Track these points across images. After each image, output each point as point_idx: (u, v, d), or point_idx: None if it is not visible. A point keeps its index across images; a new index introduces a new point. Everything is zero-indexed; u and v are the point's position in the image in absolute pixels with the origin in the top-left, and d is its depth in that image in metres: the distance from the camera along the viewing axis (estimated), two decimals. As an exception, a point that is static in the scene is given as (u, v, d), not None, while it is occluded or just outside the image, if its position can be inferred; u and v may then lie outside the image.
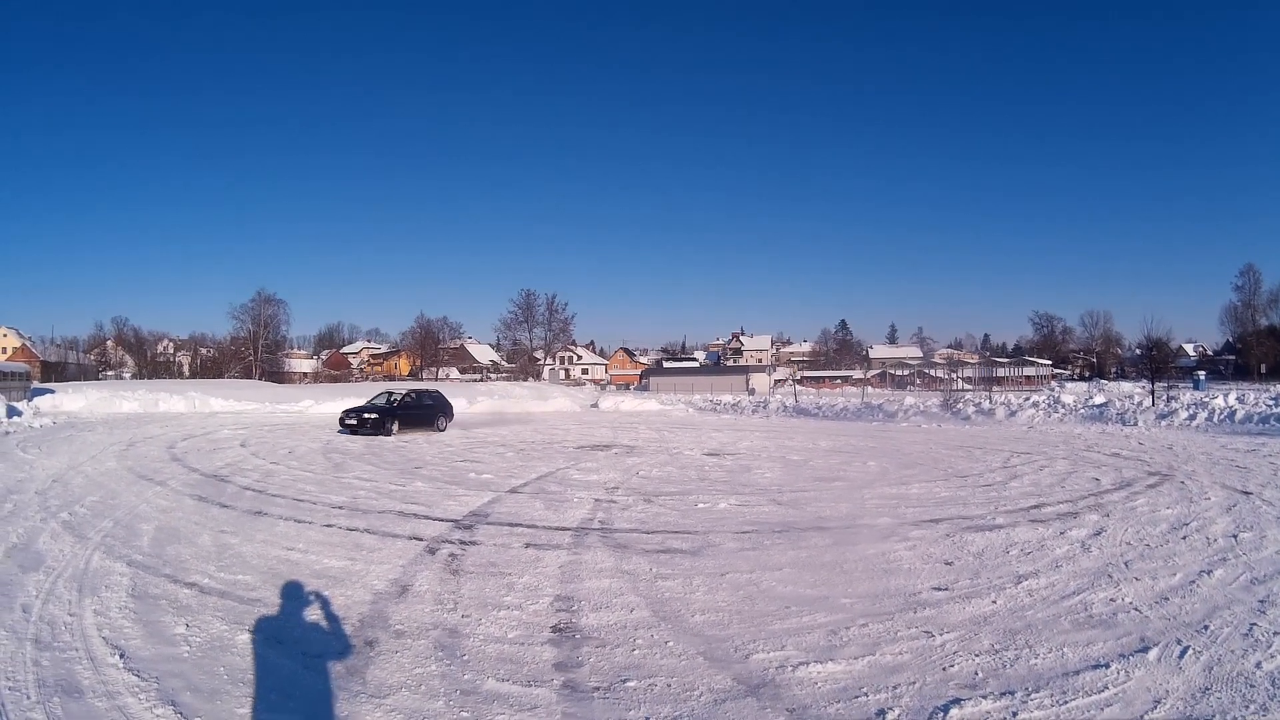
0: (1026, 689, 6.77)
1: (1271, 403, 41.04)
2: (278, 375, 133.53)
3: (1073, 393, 63.29)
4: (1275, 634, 8.05)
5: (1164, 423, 38.39)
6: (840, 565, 11.33)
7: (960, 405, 51.57)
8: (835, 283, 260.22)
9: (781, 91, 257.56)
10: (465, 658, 7.69)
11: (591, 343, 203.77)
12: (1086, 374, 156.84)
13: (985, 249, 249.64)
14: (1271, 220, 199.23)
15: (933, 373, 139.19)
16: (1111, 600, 9.44)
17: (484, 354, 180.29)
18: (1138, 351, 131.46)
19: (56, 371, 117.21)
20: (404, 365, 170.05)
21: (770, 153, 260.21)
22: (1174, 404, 44.01)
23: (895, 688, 6.86)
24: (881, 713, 6.36)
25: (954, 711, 6.34)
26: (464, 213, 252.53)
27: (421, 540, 13.06)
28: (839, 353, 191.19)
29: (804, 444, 32.60)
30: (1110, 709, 6.40)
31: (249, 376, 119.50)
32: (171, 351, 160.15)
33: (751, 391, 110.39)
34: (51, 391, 57.48)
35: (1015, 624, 8.60)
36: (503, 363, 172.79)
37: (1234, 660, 7.36)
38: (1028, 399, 53.18)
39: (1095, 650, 7.72)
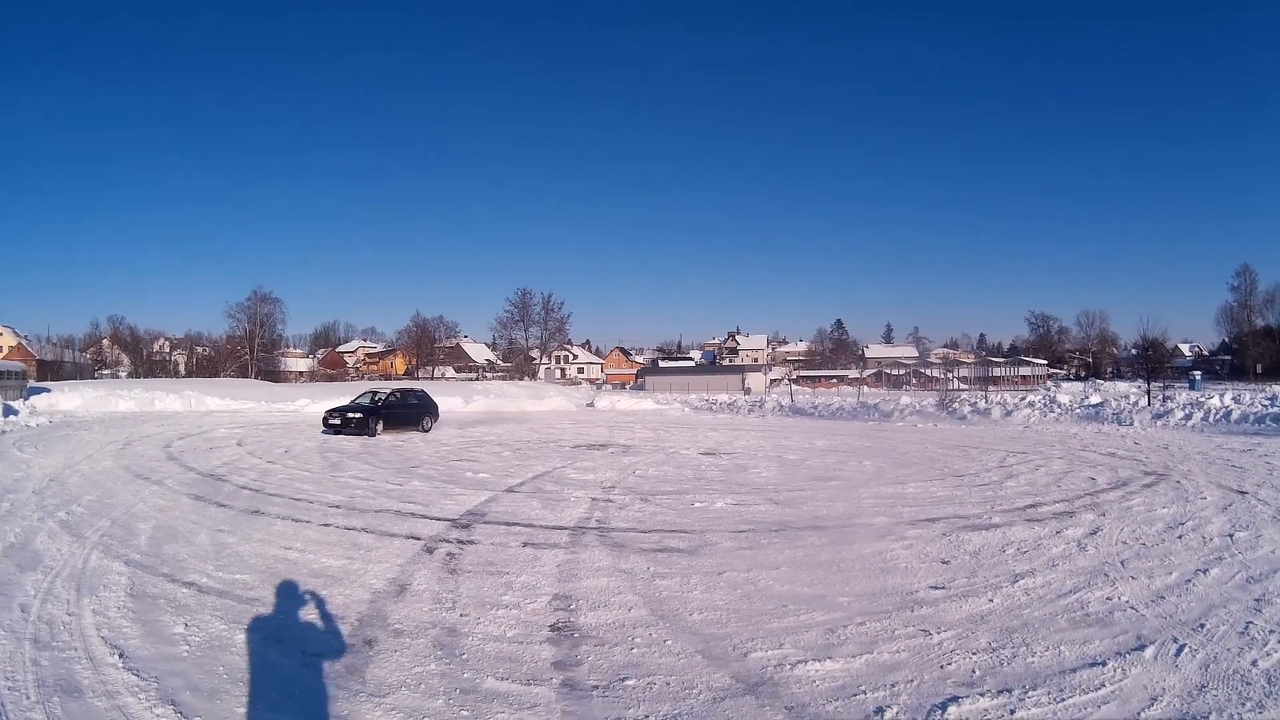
0: (1024, 687, 6.81)
1: (1267, 403, 41.09)
2: (274, 374, 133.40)
3: (1068, 392, 63.55)
4: (1271, 632, 8.08)
5: (1160, 423, 38.38)
6: (837, 564, 11.37)
7: (956, 405, 51.60)
8: (831, 282, 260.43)
9: (777, 91, 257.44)
10: (464, 656, 7.70)
11: (587, 342, 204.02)
12: (1082, 374, 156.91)
13: (981, 249, 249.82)
14: (1267, 221, 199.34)
15: (928, 372, 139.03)
16: (1108, 599, 9.47)
17: (480, 353, 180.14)
18: (1133, 351, 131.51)
19: (52, 370, 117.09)
20: (400, 364, 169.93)
21: (765, 152, 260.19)
22: (1170, 404, 44.02)
23: (893, 686, 6.89)
24: (880, 710, 6.39)
25: (952, 709, 6.37)
26: (460, 212, 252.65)
27: (419, 539, 13.07)
28: (835, 352, 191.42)
29: (800, 443, 32.61)
30: (1107, 706, 6.44)
31: (245, 375, 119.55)
32: (167, 350, 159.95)
33: (747, 391, 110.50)
34: (48, 390, 57.46)
35: (1012, 622, 8.63)
36: (498, 362, 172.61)
37: (1230, 658, 7.39)
38: (1023, 399, 53.24)
39: (1092, 648, 7.75)
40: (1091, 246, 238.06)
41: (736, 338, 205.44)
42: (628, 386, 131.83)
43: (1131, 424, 38.62)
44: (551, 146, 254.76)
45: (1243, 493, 17.03)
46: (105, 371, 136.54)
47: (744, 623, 8.73)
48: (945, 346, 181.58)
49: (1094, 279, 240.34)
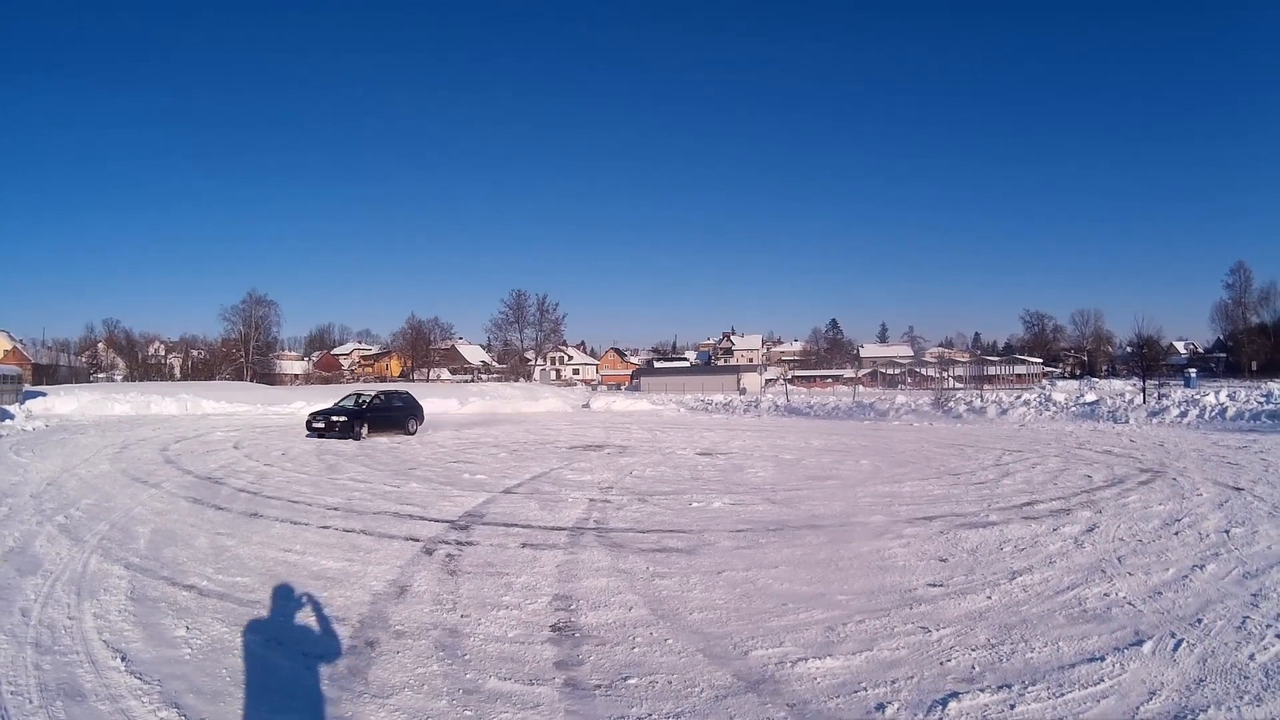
0: (1023, 682, 6.84)
1: (1262, 400, 41.21)
2: (269, 377, 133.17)
3: (1064, 391, 63.61)
4: (1268, 626, 8.13)
5: (1155, 420, 38.50)
6: (835, 563, 11.40)
7: (952, 404, 51.72)
8: (826, 282, 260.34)
9: (770, 91, 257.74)
10: (466, 657, 7.72)
11: (582, 343, 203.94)
12: (1078, 372, 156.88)
13: (976, 248, 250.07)
14: (1262, 218, 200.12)
15: (924, 371, 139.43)
16: (1105, 595, 9.51)
17: (475, 355, 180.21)
18: (1129, 349, 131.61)
19: (48, 374, 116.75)
20: (395, 366, 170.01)
21: (759, 152, 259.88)
22: (1165, 401, 44.12)
23: (894, 682, 6.93)
24: (881, 706, 6.42)
25: (952, 705, 6.40)
26: (455, 213, 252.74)
27: (418, 541, 13.08)
28: (830, 352, 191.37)
29: (796, 443, 32.69)
30: (1106, 700, 6.47)
31: (240, 378, 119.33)
32: (163, 353, 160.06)
33: (743, 391, 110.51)
34: (43, 394, 57.36)
35: (1010, 619, 8.67)
36: (494, 363, 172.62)
37: (1228, 652, 7.44)
38: (1019, 397, 53.30)
39: (1090, 644, 7.80)
40: (1086, 245, 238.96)
41: (731, 338, 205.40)
42: (623, 387, 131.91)
43: (1127, 421, 38.79)
44: (545, 148, 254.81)
45: (1238, 489, 17.11)
46: (101, 375, 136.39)
47: (744, 621, 8.75)
48: (940, 345, 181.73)
49: (1089, 277, 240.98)
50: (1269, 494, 16.37)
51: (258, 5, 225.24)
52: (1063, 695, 6.58)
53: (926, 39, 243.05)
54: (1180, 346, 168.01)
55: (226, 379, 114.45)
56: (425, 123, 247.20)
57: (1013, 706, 6.39)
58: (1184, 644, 7.67)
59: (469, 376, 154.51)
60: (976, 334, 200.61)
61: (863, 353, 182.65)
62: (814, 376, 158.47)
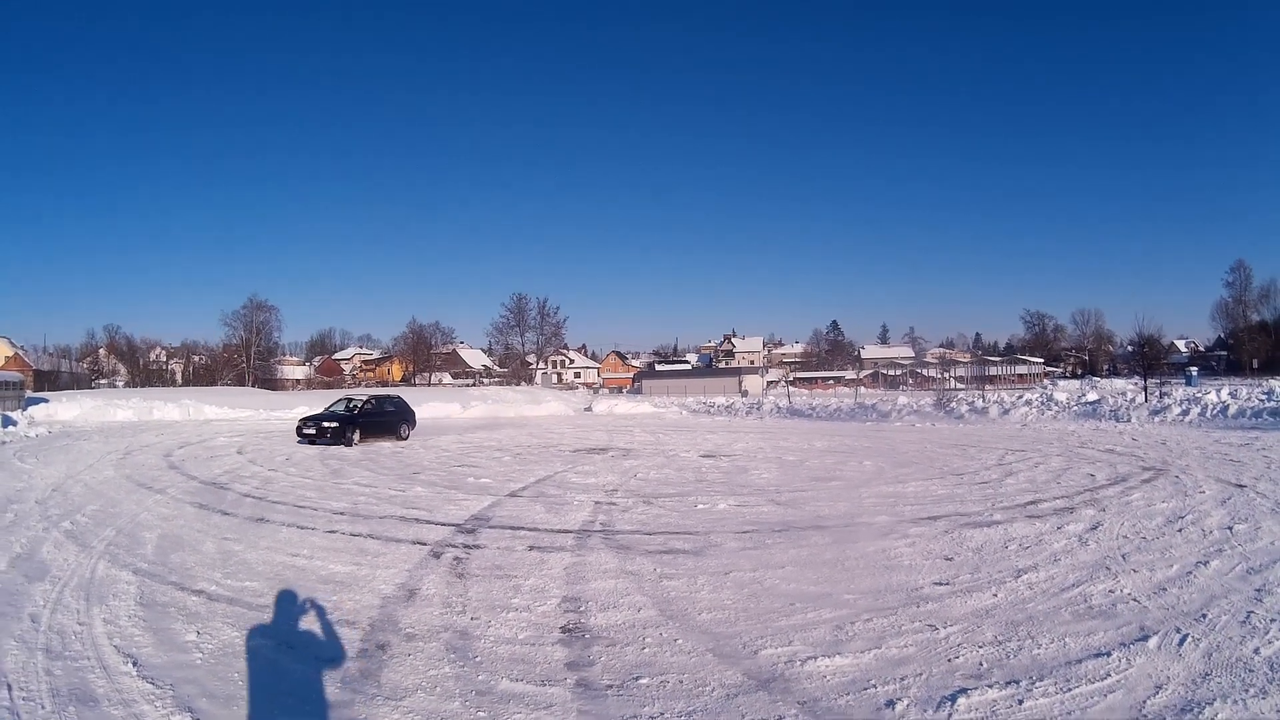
0: (1031, 678, 6.91)
1: (1264, 397, 41.20)
2: (271, 382, 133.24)
3: (1065, 390, 63.51)
4: (1272, 621, 8.20)
5: (1157, 419, 38.53)
6: (841, 563, 11.45)
7: (953, 404, 51.67)
8: (826, 283, 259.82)
9: (770, 92, 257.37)
10: (478, 659, 7.77)
11: (583, 346, 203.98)
12: (1079, 372, 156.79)
13: (976, 248, 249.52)
14: (1262, 216, 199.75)
15: (925, 372, 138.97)
16: (1110, 592, 9.58)
17: (476, 359, 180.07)
18: (1129, 348, 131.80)
19: (49, 380, 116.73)
20: (396, 371, 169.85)
21: (759, 153, 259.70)
22: (1167, 400, 44.13)
23: (903, 679, 6.99)
24: (891, 703, 6.49)
25: (961, 700, 6.46)
26: (455, 216, 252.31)
27: (425, 544, 13.10)
28: (831, 353, 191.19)
29: (799, 444, 32.69)
30: (1114, 695, 6.54)
31: (242, 383, 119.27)
32: (164, 359, 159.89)
33: (744, 393, 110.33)
34: (45, 400, 57.14)
35: (1017, 616, 8.73)
36: (495, 367, 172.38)
37: (1232, 647, 7.51)
38: (1021, 397, 53.28)
39: (1096, 640, 7.86)
40: (1086, 244, 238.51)
41: (732, 340, 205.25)
42: (625, 390, 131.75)
43: (1129, 420, 38.80)
44: (545, 149, 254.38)
45: (1241, 486, 17.18)
46: (102, 381, 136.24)
47: (752, 621, 8.81)
48: (941, 346, 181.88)
49: (1089, 277, 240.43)
50: (1271, 491, 16.44)
51: (254, 7, 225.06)
52: (1070, 690, 6.65)
53: (926, 39, 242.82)
54: (1181, 345, 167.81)
55: (228, 384, 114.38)
56: (425, 125, 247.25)
57: (1021, 702, 6.45)
58: (1189, 639, 7.74)
59: (470, 380, 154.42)
60: (977, 334, 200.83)
61: (864, 354, 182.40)
62: (815, 378, 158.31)
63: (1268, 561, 10.74)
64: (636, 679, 7.17)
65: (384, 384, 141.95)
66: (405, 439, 36.74)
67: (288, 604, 9.69)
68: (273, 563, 11.94)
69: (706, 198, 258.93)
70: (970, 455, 26.30)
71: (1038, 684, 6.78)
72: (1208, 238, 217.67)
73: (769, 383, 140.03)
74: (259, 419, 52.57)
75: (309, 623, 9.01)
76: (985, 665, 7.28)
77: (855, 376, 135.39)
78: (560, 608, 9.51)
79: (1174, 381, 75.09)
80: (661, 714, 6.45)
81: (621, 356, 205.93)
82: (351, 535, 14.00)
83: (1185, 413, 38.58)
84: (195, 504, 17.37)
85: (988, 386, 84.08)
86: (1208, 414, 37.80)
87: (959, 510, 15.54)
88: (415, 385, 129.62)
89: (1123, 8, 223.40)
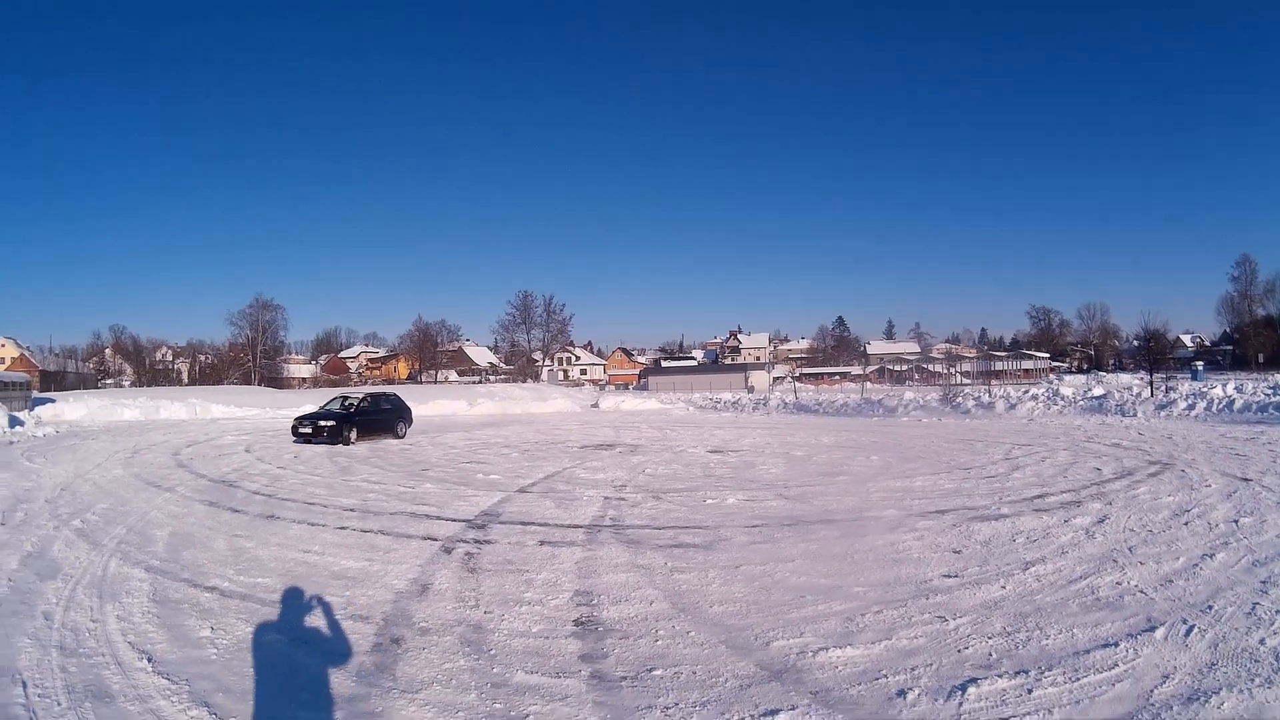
0: (1040, 668, 6.96)
1: (1269, 392, 41.20)
2: (277, 380, 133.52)
3: (1071, 385, 63.48)
4: (1277, 613, 8.25)
5: (1163, 413, 38.57)
6: (850, 556, 11.50)
7: (960, 399, 51.78)
8: (832, 279, 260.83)
9: (775, 90, 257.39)
10: (492, 652, 7.82)
11: (589, 343, 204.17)
12: (1084, 366, 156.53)
13: (981, 243, 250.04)
14: (1267, 211, 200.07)
15: (931, 368, 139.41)
16: (1117, 584, 9.63)
17: (482, 356, 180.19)
18: (1135, 343, 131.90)
19: (56, 380, 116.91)
20: (403, 369, 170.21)
21: (763, 150, 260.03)
22: (1173, 394, 44.11)
23: (913, 669, 7.05)
24: (902, 693, 6.54)
25: (971, 690, 6.52)
26: (460, 215, 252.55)
27: (436, 540, 13.13)
28: (837, 349, 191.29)
29: (806, 440, 32.78)
30: (1121, 684, 6.60)
31: (248, 382, 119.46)
32: (170, 359, 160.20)
33: (751, 389, 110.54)
34: (52, 401, 57.15)
35: (1025, 608, 8.78)
36: (501, 365, 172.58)
37: (1238, 637, 7.56)
38: (1027, 392, 53.38)
39: (1104, 630, 7.92)
40: (1091, 239, 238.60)
41: (738, 336, 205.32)
42: (631, 387, 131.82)
43: (1135, 415, 38.88)
44: (549, 148, 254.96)
45: (1246, 480, 17.22)
46: (109, 381, 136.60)
47: (764, 614, 8.86)
48: (947, 341, 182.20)
49: (1094, 272, 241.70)
50: (1277, 484, 16.48)
51: (260, 9, 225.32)
52: (1079, 680, 6.70)
53: (928, 37, 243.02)
54: (1187, 339, 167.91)
55: (234, 383, 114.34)
56: (429, 124, 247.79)
57: (1030, 691, 6.51)
58: (1195, 630, 7.79)
59: (476, 378, 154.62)
60: (983, 329, 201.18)
61: (870, 350, 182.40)
62: (822, 374, 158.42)
63: (1273, 554, 10.78)
64: (650, 670, 7.23)
65: (390, 382, 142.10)
66: (402, 436, 36.49)
67: (301, 600, 9.72)
68: (284, 559, 11.97)
69: (712, 194, 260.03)
70: (977, 450, 26.34)
71: (1046, 674, 6.84)
72: (1213, 232, 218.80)
73: (775, 379, 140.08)
74: (266, 417, 52.50)
75: (322, 618, 9.04)
76: (995, 656, 7.34)
77: (861, 372, 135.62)
78: (572, 601, 9.56)
79: (1180, 376, 74.85)
80: (676, 704, 6.50)
81: (627, 353, 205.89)
82: (362, 531, 14.04)
83: (1191, 407, 38.60)
84: (205, 502, 17.42)
85: (994, 382, 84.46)
86: (1213, 408, 37.82)
87: (967, 504, 15.57)
88: (421, 383, 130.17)
89: (1125, 1, 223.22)
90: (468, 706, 6.57)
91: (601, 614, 9.03)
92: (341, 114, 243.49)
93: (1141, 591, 9.26)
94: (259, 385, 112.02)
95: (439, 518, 15.24)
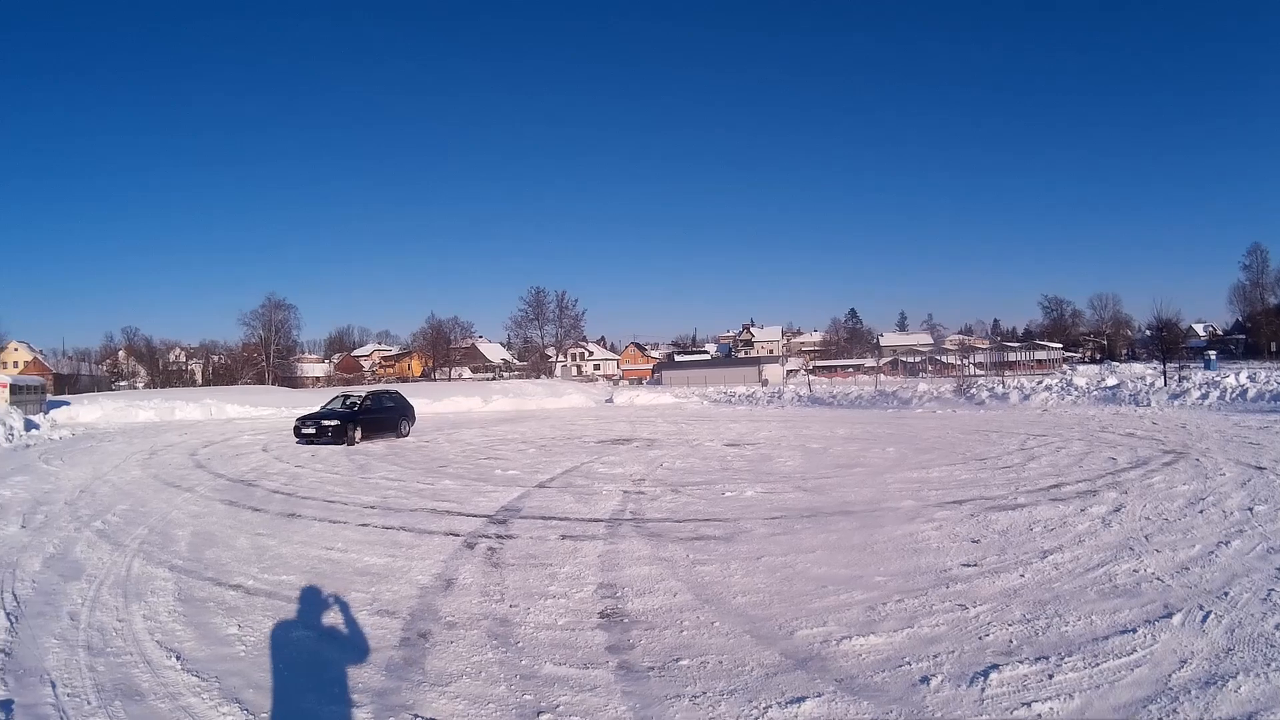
0: (1059, 654, 7.06)
1: (1283, 380, 41.13)
2: (291, 380, 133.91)
3: (1085, 375, 63.74)
4: (1293, 598, 8.29)
5: (1176, 403, 38.51)
6: (870, 546, 11.59)
7: (974, 390, 51.67)
8: (844, 272, 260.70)
9: (787, 84, 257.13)
10: (520, 645, 7.91)
11: (602, 338, 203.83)
12: (1097, 356, 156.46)
13: (993, 234, 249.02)
14: (1278, 199, 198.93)
15: (944, 359, 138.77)
16: (1134, 571, 9.71)
17: (495, 353, 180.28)
18: (1148, 333, 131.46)
19: (69, 383, 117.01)
20: (416, 366, 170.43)
21: (774, 143, 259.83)
22: (1186, 384, 44.17)
23: (936, 656, 7.15)
24: (925, 679, 6.64)
25: (993, 675, 6.62)
26: (472, 212, 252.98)
27: (458, 536, 13.20)
28: (849, 342, 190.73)
29: (821, 432, 32.77)
30: (1140, 670, 6.69)
31: (262, 382, 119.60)
32: (183, 360, 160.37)
33: (764, 382, 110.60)
34: (67, 403, 57.11)
35: (1044, 595, 8.87)
36: (514, 361, 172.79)
37: (1254, 623, 7.64)
38: (1040, 382, 53.37)
39: (1122, 617, 8.00)
40: (1103, 229, 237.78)
41: (751, 330, 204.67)
42: (645, 382, 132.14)
43: (1149, 405, 38.80)
44: (560, 144, 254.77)
45: (1260, 468, 17.24)
46: (122, 383, 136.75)
47: (786, 604, 8.96)
48: (960, 333, 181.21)
49: (1106, 261, 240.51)
50: (1291, 472, 16.45)
51: (271, 9, 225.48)
52: (1098, 665, 6.79)
53: (939, 30, 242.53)
54: (1199, 329, 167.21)
55: (248, 383, 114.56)
56: (440, 122, 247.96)
57: (1051, 676, 6.61)
58: (1212, 616, 7.87)
59: (490, 375, 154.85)
60: (995, 320, 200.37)
61: (883, 341, 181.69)
62: (835, 366, 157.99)
63: (1288, 540, 10.83)
64: (677, 660, 7.31)
65: (404, 379, 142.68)
66: (405, 435, 36.12)
67: (326, 596, 9.81)
68: (308, 556, 12.04)
69: (723, 188, 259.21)
70: (992, 441, 26.38)
71: (1066, 659, 6.93)
72: (1224, 221, 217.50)
73: (789, 372, 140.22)
74: (281, 417, 52.43)
75: (349, 613, 9.11)
76: (1015, 642, 7.43)
77: (875, 364, 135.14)
78: (597, 594, 9.65)
79: (1193, 365, 74.73)
80: (704, 693, 6.59)
81: (640, 348, 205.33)
82: (384, 528, 14.11)
83: (1204, 396, 38.54)
84: (225, 501, 17.48)
85: (1007, 373, 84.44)
86: (1227, 397, 37.75)
87: (983, 494, 15.65)
88: (435, 380, 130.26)
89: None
90: (498, 698, 6.66)
91: (626, 606, 9.12)
92: (351, 113, 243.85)
93: (1158, 579, 9.34)
94: (273, 385, 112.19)
95: (460, 513, 15.32)
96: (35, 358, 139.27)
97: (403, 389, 45.33)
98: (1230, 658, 6.84)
